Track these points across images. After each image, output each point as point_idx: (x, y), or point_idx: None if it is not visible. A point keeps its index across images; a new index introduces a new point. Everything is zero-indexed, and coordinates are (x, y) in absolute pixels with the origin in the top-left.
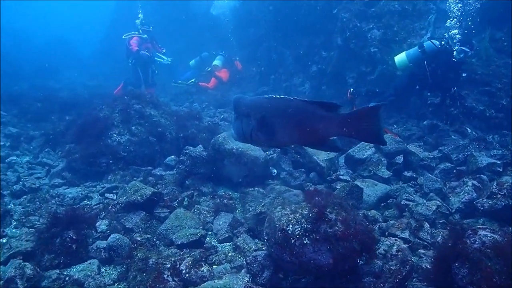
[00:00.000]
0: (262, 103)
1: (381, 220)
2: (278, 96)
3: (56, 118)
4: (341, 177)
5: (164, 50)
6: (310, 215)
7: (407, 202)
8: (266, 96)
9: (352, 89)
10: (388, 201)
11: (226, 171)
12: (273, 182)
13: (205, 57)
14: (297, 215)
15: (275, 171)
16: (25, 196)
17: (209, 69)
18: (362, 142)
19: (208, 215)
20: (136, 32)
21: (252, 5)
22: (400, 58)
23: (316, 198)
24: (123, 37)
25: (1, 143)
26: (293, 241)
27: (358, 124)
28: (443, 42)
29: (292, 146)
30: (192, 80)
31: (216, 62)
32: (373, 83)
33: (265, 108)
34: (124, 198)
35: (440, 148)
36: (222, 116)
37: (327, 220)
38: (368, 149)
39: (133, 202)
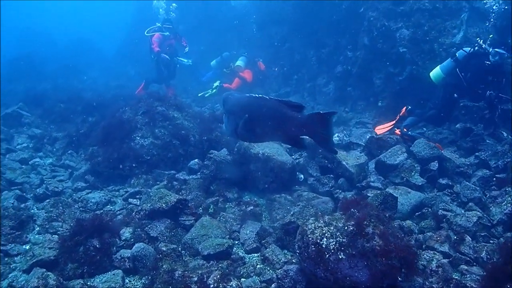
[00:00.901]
0: (243, 102)
1: (417, 232)
2: (257, 96)
3: (79, 120)
4: (372, 184)
5: (187, 49)
6: (346, 228)
7: (445, 213)
8: (248, 95)
9: (409, 107)
10: (423, 211)
11: (251, 177)
12: (300, 188)
13: (226, 57)
14: (332, 228)
15: (302, 176)
16: (48, 200)
17: (227, 70)
18: (394, 147)
19: (235, 223)
20: (158, 25)
21: (275, 5)
22: (435, 72)
23: (351, 209)
24: (145, 33)
25: (25, 145)
26: (327, 256)
27: (313, 128)
28: (476, 47)
29: (320, 150)
30: (216, 84)
31: (239, 62)
32: (402, 84)
33: (245, 107)
34: (149, 205)
35: (476, 153)
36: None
37: (364, 234)
38: (400, 155)
39: (158, 209)
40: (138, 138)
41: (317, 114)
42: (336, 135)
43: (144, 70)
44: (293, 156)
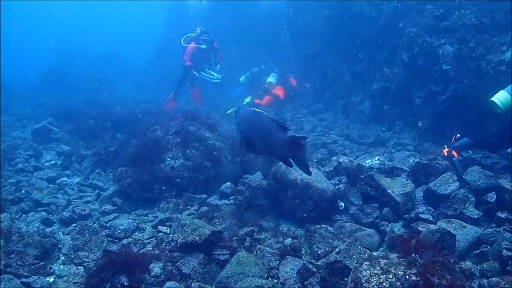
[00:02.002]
0: (245, 117)
1: (478, 275)
2: (257, 111)
3: (108, 136)
4: (421, 216)
5: (218, 67)
6: (408, 277)
7: (510, 253)
8: (252, 109)
9: (458, 135)
10: (483, 249)
11: (288, 204)
12: (342, 218)
13: (256, 73)
14: (390, 277)
15: (343, 204)
16: (74, 225)
17: (262, 92)
18: (444, 175)
19: (273, 259)
20: (196, 33)
21: (307, 19)
22: (503, 98)
23: (412, 254)
24: (182, 42)
25: (53, 162)
26: None
27: (291, 149)
28: None
29: (362, 176)
30: (247, 100)
31: (270, 79)
32: (445, 103)
33: (245, 121)
34: (181, 237)
35: None
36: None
37: (429, 285)
38: (451, 183)
39: (191, 242)
40: (169, 159)
41: (293, 137)
42: (376, 158)
43: (172, 85)
44: (331, 181)
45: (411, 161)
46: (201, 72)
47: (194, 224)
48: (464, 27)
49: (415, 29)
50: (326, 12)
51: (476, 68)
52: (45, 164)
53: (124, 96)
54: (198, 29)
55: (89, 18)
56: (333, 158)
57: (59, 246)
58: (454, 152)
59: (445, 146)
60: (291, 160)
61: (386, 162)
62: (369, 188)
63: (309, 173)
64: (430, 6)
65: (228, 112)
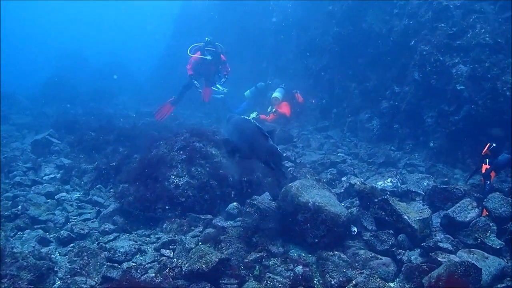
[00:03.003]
0: (234, 124)
1: None
2: (246, 119)
3: (110, 150)
4: (440, 244)
5: (223, 80)
6: None
7: None
8: (241, 118)
9: (494, 145)
10: (508, 283)
11: (299, 228)
12: (355, 244)
13: (261, 88)
14: None
15: (355, 229)
16: (72, 245)
17: (270, 111)
18: (463, 201)
19: None
20: (200, 43)
21: (315, 34)
22: None
23: None
24: (188, 52)
25: (52, 176)
26: None
27: (271, 156)
28: None
29: (376, 200)
30: (253, 115)
31: (276, 94)
32: (458, 124)
33: (234, 129)
34: (186, 264)
35: None
36: (284, 155)
37: None
38: (470, 210)
39: (197, 271)
40: (173, 177)
41: (273, 145)
42: (389, 180)
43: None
44: (343, 204)
45: (425, 184)
46: (217, 85)
47: (200, 250)
48: (478, 47)
49: (427, 47)
50: (334, 28)
51: (491, 89)
52: (44, 178)
53: (127, 107)
54: (206, 38)
55: (93, 27)
56: (343, 178)
57: (55, 269)
58: (492, 173)
59: (486, 161)
60: (271, 166)
61: (399, 185)
62: (383, 213)
63: (284, 178)
64: (443, 25)
65: (250, 118)
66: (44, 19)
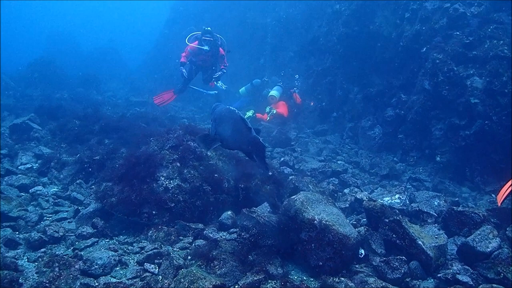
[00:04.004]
0: (219, 113)
1: None
2: (230, 109)
3: (95, 141)
4: (459, 277)
5: (217, 74)
6: None
7: None
8: (226, 107)
9: None
10: None
11: (302, 248)
12: (363, 270)
13: (257, 85)
14: None
15: (363, 252)
16: (43, 250)
17: (274, 112)
18: (483, 229)
19: None
20: (199, 32)
21: (319, 33)
22: None
23: None
24: (186, 41)
25: (29, 165)
26: None
27: (254, 148)
28: None
29: (387, 220)
30: (249, 114)
31: (273, 92)
32: (468, 139)
33: (219, 118)
34: None
35: None
36: (282, 159)
37: None
38: (491, 239)
39: None
40: (163, 179)
41: (256, 137)
42: (397, 196)
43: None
44: (348, 219)
45: (435, 203)
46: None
47: (192, 274)
48: (496, 59)
49: (441, 55)
50: (340, 28)
51: (508, 104)
52: (19, 167)
53: (116, 95)
54: (205, 27)
55: (86, 9)
56: (346, 190)
57: (19, 281)
58: None
59: None
60: (253, 157)
61: (408, 202)
62: (394, 235)
63: (267, 171)
64: (458, 33)
65: (246, 116)
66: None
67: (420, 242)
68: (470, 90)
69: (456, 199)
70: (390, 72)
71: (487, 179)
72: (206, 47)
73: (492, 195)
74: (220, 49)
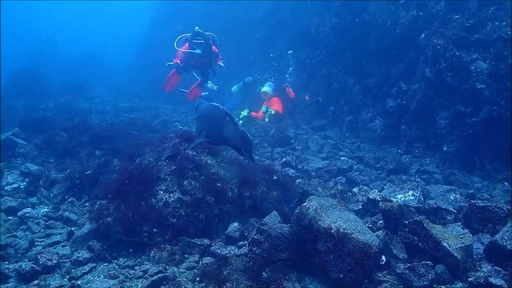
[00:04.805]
0: (204, 110)
1: None
2: (214, 105)
3: (85, 154)
4: (491, 280)
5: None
6: None
7: None
8: (210, 104)
9: None
10: None
11: (319, 260)
12: (386, 279)
13: (249, 83)
14: None
15: (384, 258)
16: (36, 282)
17: (272, 112)
18: (510, 224)
19: None
20: (188, 34)
21: (309, 25)
22: None
23: None
24: (175, 46)
25: (15, 185)
26: None
27: (242, 141)
28: None
29: (407, 222)
30: (244, 113)
31: (266, 88)
32: (476, 127)
33: (204, 115)
34: None
35: None
36: (284, 160)
37: None
38: None
39: None
40: (162, 193)
41: (244, 132)
42: (410, 193)
43: (156, 90)
44: (363, 222)
45: (451, 198)
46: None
47: None
48: (499, 41)
49: (441, 41)
50: (332, 19)
51: None
52: (5, 188)
53: (103, 101)
54: (196, 28)
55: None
56: (355, 189)
57: None
58: None
59: None
60: (241, 150)
61: (422, 199)
62: (416, 238)
63: (253, 162)
64: (457, 16)
65: (241, 116)
66: (16, 8)
67: (445, 244)
68: (475, 75)
69: (471, 191)
70: (387, 61)
71: (498, 167)
72: (198, 51)
73: (505, 183)
74: (213, 47)
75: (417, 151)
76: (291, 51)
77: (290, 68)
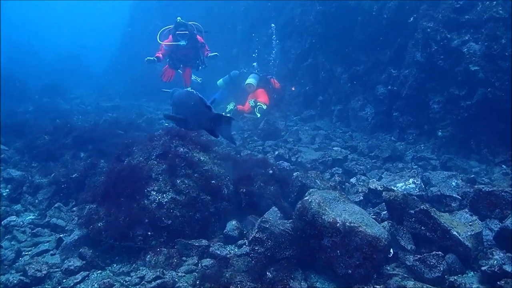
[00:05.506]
0: (179, 97)
1: None
2: (189, 91)
3: (69, 156)
4: (506, 268)
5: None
6: None
7: None
8: (185, 90)
9: None
10: None
11: (325, 256)
12: (396, 273)
13: (235, 76)
14: None
15: (391, 250)
16: None
17: (264, 107)
18: None
19: None
20: (171, 26)
21: (292, 14)
22: None
23: None
24: (158, 39)
25: None
26: None
27: (219, 124)
28: None
29: (413, 211)
30: (230, 107)
31: (250, 80)
32: (471, 110)
33: (179, 101)
34: None
35: None
36: (276, 153)
37: None
38: None
39: None
40: (154, 194)
41: (219, 114)
42: (411, 181)
43: (139, 89)
44: (368, 210)
45: (453, 184)
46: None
47: None
48: (491, 21)
49: (431, 24)
50: (316, 7)
51: (510, 68)
52: None
53: (84, 102)
54: (178, 18)
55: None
56: (352, 180)
57: None
58: None
59: None
60: (215, 132)
61: (423, 186)
62: (423, 228)
63: (235, 144)
64: None
65: (227, 110)
66: None
67: (455, 233)
68: (468, 57)
69: (472, 176)
70: (375, 47)
71: (495, 150)
72: (183, 42)
73: (503, 166)
74: (198, 37)
75: (411, 138)
76: (274, 38)
77: (273, 53)
